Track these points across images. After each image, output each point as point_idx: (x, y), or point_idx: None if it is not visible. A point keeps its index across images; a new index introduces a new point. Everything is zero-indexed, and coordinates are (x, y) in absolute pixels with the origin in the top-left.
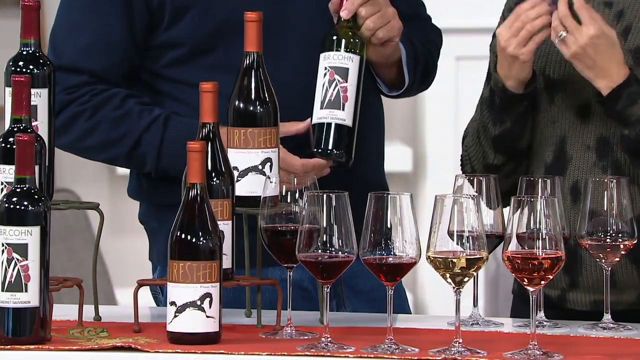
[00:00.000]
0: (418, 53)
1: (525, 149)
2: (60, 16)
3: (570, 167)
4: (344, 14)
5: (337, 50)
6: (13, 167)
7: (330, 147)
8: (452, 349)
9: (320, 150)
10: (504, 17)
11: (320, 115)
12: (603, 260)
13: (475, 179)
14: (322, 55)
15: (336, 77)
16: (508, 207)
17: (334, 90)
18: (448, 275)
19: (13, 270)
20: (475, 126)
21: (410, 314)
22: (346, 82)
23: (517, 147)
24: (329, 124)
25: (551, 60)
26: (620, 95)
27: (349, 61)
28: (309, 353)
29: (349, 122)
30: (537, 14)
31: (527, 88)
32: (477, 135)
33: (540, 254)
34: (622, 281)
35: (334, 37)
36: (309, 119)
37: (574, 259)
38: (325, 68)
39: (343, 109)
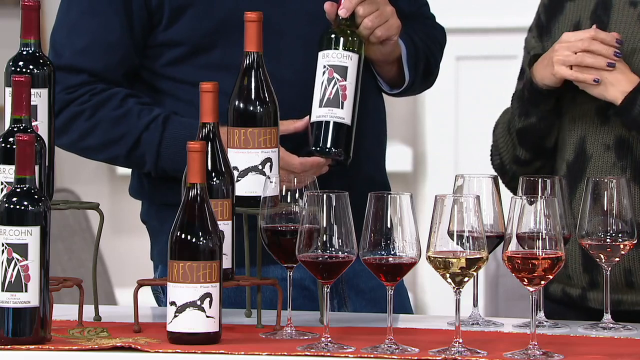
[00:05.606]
0: (419, 50)
1: (552, 148)
2: (60, 16)
3: (589, 167)
4: (342, 12)
5: (335, 49)
6: (13, 167)
7: (328, 146)
8: (452, 349)
9: (318, 149)
10: (538, 14)
11: (319, 113)
12: (603, 261)
13: (475, 179)
14: (320, 54)
15: (335, 75)
16: (508, 207)
17: (332, 88)
18: (448, 275)
19: (13, 270)
20: (506, 118)
21: (412, 313)
22: (345, 80)
23: (543, 145)
24: (328, 122)
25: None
26: (634, 102)
27: (348, 59)
28: (308, 353)
29: (347, 120)
30: (602, 52)
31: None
32: (507, 126)
33: (540, 254)
34: None
35: (333, 36)
36: (307, 117)
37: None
38: (324, 66)
39: (342, 107)
